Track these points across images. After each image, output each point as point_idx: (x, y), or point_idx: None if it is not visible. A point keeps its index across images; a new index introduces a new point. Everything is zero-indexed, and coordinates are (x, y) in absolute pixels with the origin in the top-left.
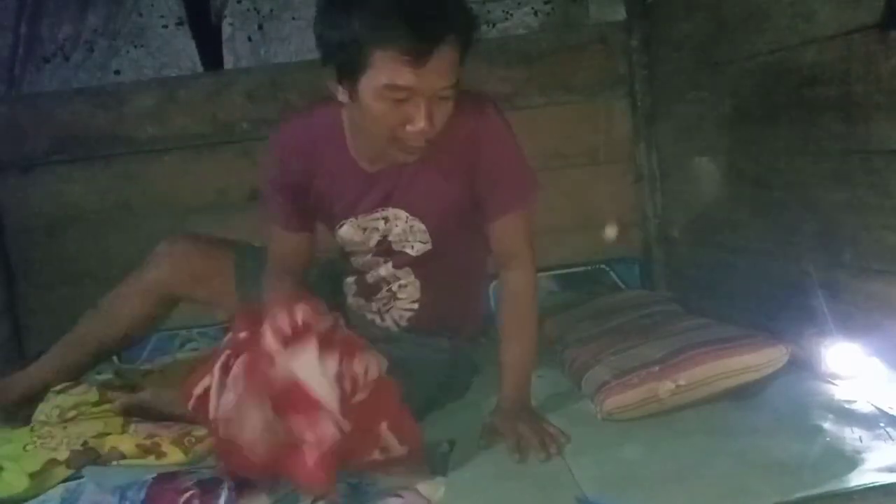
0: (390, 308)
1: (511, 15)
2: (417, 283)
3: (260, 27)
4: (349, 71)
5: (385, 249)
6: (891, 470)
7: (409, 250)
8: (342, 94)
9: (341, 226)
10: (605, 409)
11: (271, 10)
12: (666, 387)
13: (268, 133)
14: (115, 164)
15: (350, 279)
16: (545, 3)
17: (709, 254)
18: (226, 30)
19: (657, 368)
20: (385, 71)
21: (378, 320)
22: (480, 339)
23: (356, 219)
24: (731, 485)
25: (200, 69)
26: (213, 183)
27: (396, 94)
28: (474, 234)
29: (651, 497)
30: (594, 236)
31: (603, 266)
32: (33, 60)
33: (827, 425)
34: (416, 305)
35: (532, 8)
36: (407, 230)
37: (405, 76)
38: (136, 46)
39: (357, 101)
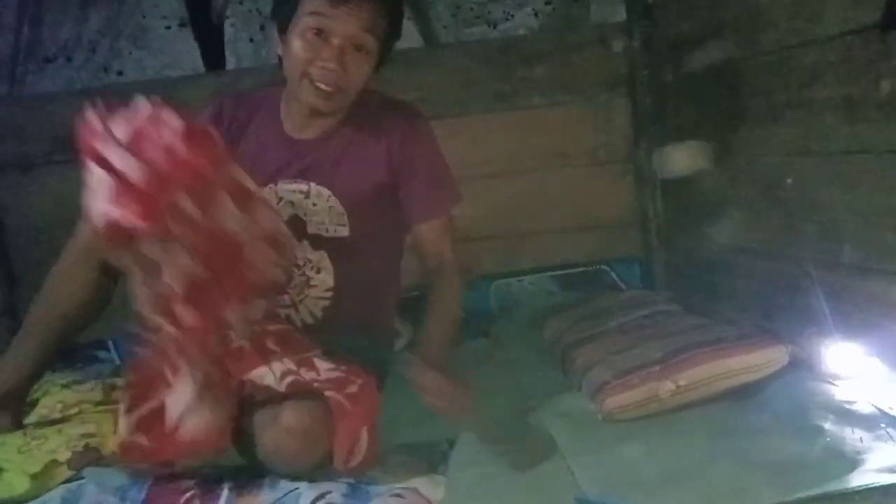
0: (304, 297)
1: (512, 15)
2: (332, 270)
3: (261, 28)
4: (284, 19)
5: (299, 228)
6: (891, 470)
7: (323, 232)
8: (280, 47)
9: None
10: (605, 409)
11: None
12: (666, 387)
13: None
14: None
15: None
16: (546, 3)
17: (709, 254)
18: (228, 31)
19: (657, 368)
20: (309, 6)
21: (293, 313)
22: (392, 342)
23: (275, 185)
24: (731, 485)
25: (203, 70)
26: None
27: (313, 26)
28: (391, 234)
29: (651, 497)
30: (594, 236)
31: (603, 266)
32: (35, 61)
33: (827, 425)
34: (329, 294)
35: (532, 8)
36: (326, 210)
37: (322, 7)
38: (138, 47)
39: (285, 46)
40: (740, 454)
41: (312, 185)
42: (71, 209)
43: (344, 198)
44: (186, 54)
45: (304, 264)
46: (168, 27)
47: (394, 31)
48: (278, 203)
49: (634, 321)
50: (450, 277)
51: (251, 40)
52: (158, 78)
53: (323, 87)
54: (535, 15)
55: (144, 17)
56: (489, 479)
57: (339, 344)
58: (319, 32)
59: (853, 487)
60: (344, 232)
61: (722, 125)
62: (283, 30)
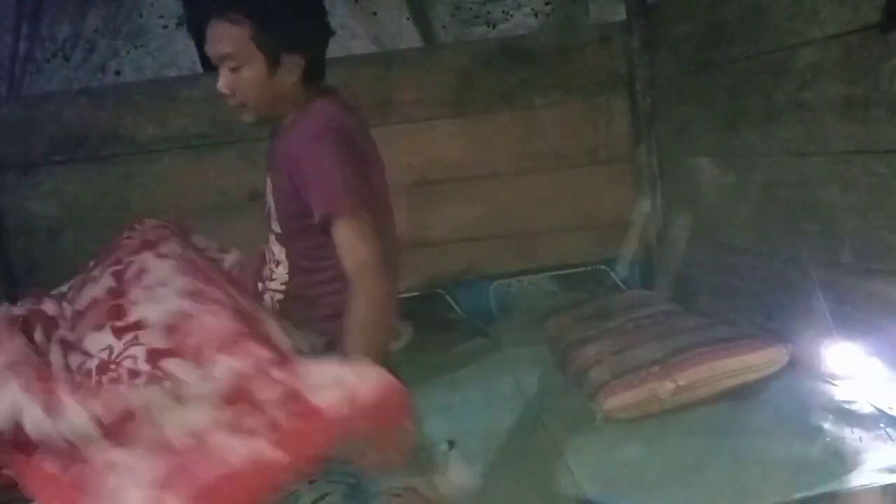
0: (266, 289)
1: (511, 16)
2: (287, 265)
3: None
4: None
5: (269, 217)
6: (891, 470)
7: (275, 228)
8: None
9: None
10: (605, 409)
11: None
12: (666, 387)
13: (267, 134)
14: (115, 165)
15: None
16: (545, 3)
17: (709, 254)
18: None
19: (657, 368)
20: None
21: (266, 297)
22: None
23: (267, 175)
24: (731, 485)
25: (200, 70)
26: (213, 183)
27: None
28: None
29: (651, 497)
30: (594, 236)
31: (603, 266)
32: (33, 61)
33: (827, 425)
34: (283, 287)
35: (532, 9)
36: (272, 206)
37: (200, 40)
38: (136, 47)
39: None
40: (740, 454)
41: (268, 179)
42: (71, 209)
43: (274, 197)
44: (184, 54)
45: (271, 257)
46: (165, 27)
47: (269, 24)
48: (266, 191)
49: (634, 321)
50: (355, 287)
51: None
52: (156, 78)
53: (231, 106)
54: (535, 15)
55: (142, 16)
56: (489, 478)
57: (302, 341)
58: (212, 57)
59: (853, 487)
60: (277, 229)
61: (722, 125)
62: None
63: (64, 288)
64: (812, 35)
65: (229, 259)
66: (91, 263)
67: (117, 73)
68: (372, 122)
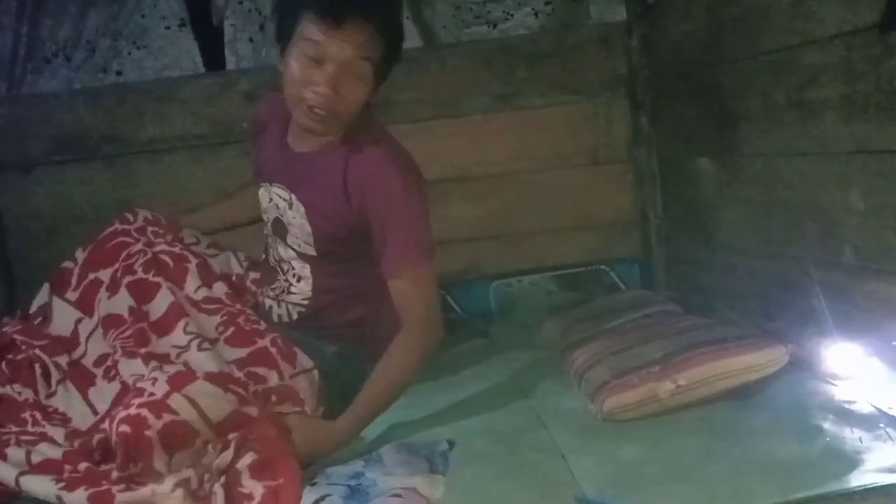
0: (284, 300)
1: (511, 15)
2: (311, 282)
3: (261, 28)
4: (284, 39)
5: (282, 232)
6: (891, 470)
7: (296, 246)
8: (282, 65)
9: (260, 186)
10: (605, 409)
11: (273, 11)
12: (666, 387)
13: None
14: (115, 164)
15: (262, 260)
16: (545, 3)
17: (709, 254)
18: (227, 31)
19: (657, 368)
20: (304, 31)
21: (276, 307)
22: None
23: (270, 185)
24: (732, 485)
25: (202, 70)
26: (214, 183)
27: (308, 51)
28: (363, 265)
29: (651, 497)
30: (594, 236)
31: (603, 266)
32: (34, 61)
33: (827, 425)
34: (306, 303)
35: (532, 8)
36: (300, 225)
37: (316, 34)
38: (138, 47)
39: (284, 66)
40: (740, 454)
41: (294, 197)
42: (71, 209)
43: (313, 220)
44: (186, 54)
45: (287, 269)
46: (168, 27)
47: (392, 54)
48: (269, 202)
49: (634, 321)
50: (404, 340)
51: (251, 40)
52: (158, 78)
53: (316, 110)
54: (535, 15)
55: (144, 17)
56: (489, 479)
57: (313, 349)
58: (314, 57)
59: (853, 487)
60: (311, 251)
61: (722, 125)
62: (283, 49)
63: (45, 297)
64: (812, 35)
65: (221, 259)
66: (80, 256)
67: (118, 73)
68: None
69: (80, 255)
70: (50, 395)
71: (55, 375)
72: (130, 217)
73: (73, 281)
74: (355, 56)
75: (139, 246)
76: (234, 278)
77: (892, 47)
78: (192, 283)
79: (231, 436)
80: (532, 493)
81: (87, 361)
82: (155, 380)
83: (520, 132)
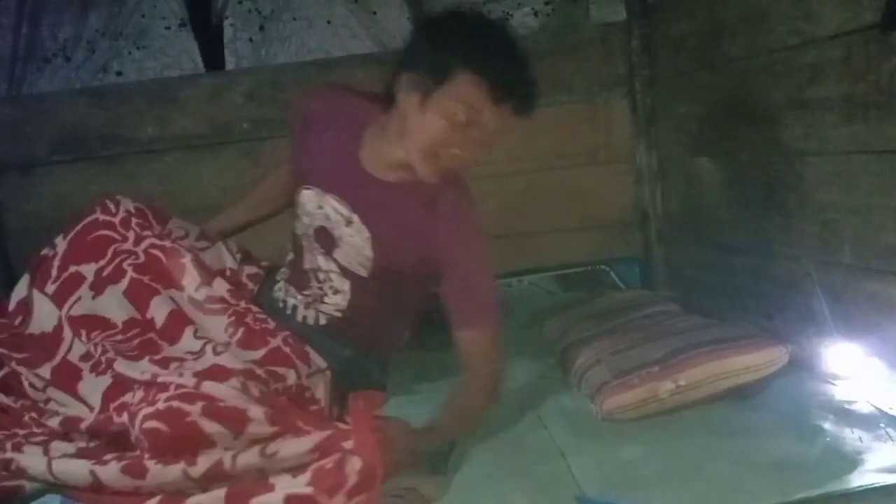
0: (314, 306)
1: (511, 16)
2: (348, 299)
3: (261, 28)
4: (431, 79)
5: (325, 242)
6: (891, 470)
7: (346, 264)
8: (408, 98)
9: (308, 188)
10: (605, 409)
11: (272, 11)
12: (666, 387)
13: (268, 133)
14: (115, 164)
15: (289, 259)
16: (545, 3)
17: (709, 254)
18: (227, 31)
19: (657, 368)
20: (461, 92)
21: (302, 309)
22: (389, 357)
23: (323, 192)
24: (732, 485)
25: (202, 70)
26: (214, 183)
27: (459, 114)
28: (409, 298)
29: (651, 497)
30: (594, 236)
31: (603, 266)
32: (34, 61)
33: (827, 425)
34: (338, 315)
35: (532, 8)
36: (357, 247)
37: (476, 100)
38: (138, 48)
39: (419, 108)
40: (740, 454)
41: (357, 218)
42: (71, 209)
43: (379, 249)
44: (186, 54)
45: (325, 280)
46: (168, 27)
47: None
48: (317, 209)
49: (634, 321)
50: (471, 390)
51: (251, 40)
52: (156, 78)
53: (443, 167)
54: (535, 15)
55: (144, 17)
56: (489, 479)
57: (329, 351)
58: (462, 120)
59: (853, 487)
60: (362, 272)
61: (722, 125)
62: (422, 86)
63: (24, 291)
64: (812, 35)
65: (213, 252)
66: (61, 245)
67: (119, 73)
68: None
69: (61, 243)
70: (47, 402)
71: (39, 386)
72: (112, 207)
73: (53, 272)
74: (498, 133)
75: (128, 245)
76: (227, 273)
77: (892, 47)
78: (191, 283)
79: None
80: (532, 494)
81: (73, 357)
82: (180, 374)
83: (520, 132)
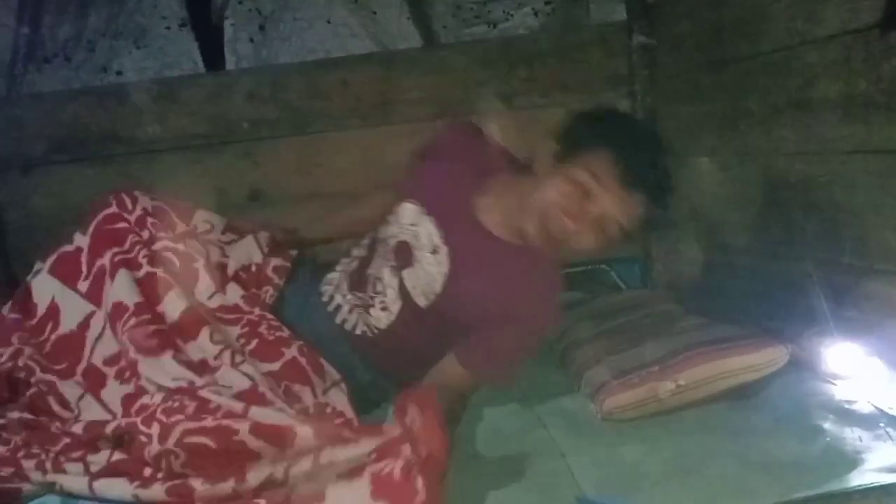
0: (358, 312)
1: (511, 15)
2: (393, 319)
3: (261, 28)
4: (570, 150)
5: (402, 258)
6: (891, 470)
7: (409, 289)
8: (542, 162)
9: (412, 202)
10: (605, 409)
11: (272, 12)
12: (666, 387)
13: (268, 133)
14: (115, 164)
15: (357, 254)
16: (545, 3)
17: (709, 254)
18: (227, 31)
19: (657, 368)
20: (600, 166)
21: (345, 309)
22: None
23: (427, 215)
24: (731, 485)
25: (202, 70)
26: (214, 183)
27: (585, 182)
28: (443, 346)
29: (651, 497)
30: None
31: (603, 266)
32: (34, 60)
33: (827, 425)
34: (375, 332)
35: (532, 8)
36: (430, 278)
37: (610, 181)
38: (138, 47)
39: (551, 172)
40: (740, 454)
41: (445, 251)
42: (71, 209)
43: (449, 287)
44: (186, 54)
45: (380, 292)
46: (168, 27)
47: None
48: (410, 225)
49: (634, 321)
50: (457, 402)
51: (251, 40)
52: (156, 77)
53: (553, 235)
54: (535, 15)
55: (144, 17)
56: (489, 478)
57: (346, 363)
58: (587, 189)
59: (853, 487)
60: (421, 301)
61: (722, 125)
62: (559, 154)
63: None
64: (812, 35)
65: (241, 245)
66: (83, 240)
67: (119, 73)
68: (372, 122)
69: (83, 239)
70: (77, 417)
71: (72, 400)
72: (129, 203)
73: (84, 269)
74: (621, 221)
75: (143, 239)
76: (252, 268)
77: (892, 47)
78: (203, 289)
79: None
80: (532, 493)
81: (97, 360)
82: (218, 392)
83: (520, 132)
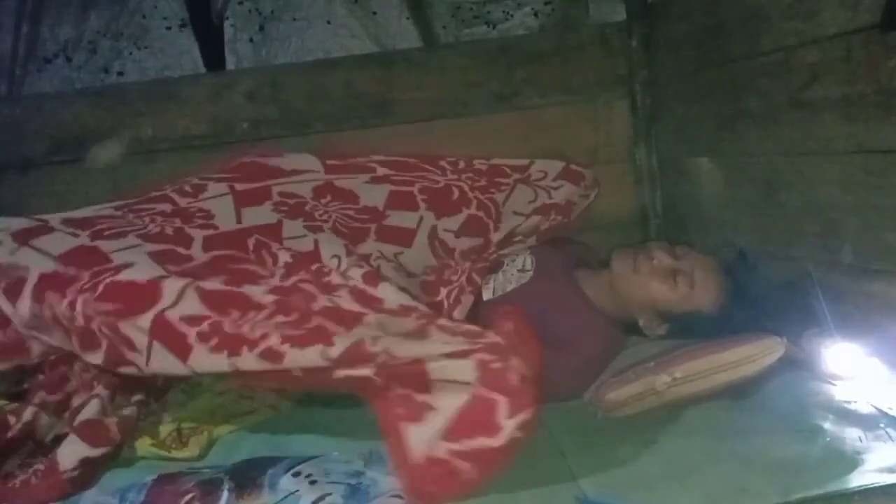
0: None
1: (511, 15)
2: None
3: (261, 28)
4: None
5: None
6: (891, 470)
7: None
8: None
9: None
10: (603, 406)
11: (272, 12)
12: (662, 380)
13: (268, 133)
14: (116, 164)
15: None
16: (545, 3)
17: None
18: (227, 31)
19: (652, 364)
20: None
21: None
22: None
23: (531, 255)
24: (731, 485)
25: (202, 70)
26: None
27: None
28: None
29: (651, 497)
30: (594, 236)
31: None
32: (34, 61)
33: (827, 425)
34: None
35: (532, 8)
36: (505, 280)
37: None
38: (139, 48)
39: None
40: (740, 454)
41: (529, 276)
42: (71, 209)
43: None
44: (186, 55)
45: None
46: (168, 28)
47: None
48: (505, 264)
49: None
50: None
51: (251, 40)
52: (158, 78)
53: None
54: (535, 15)
55: (145, 17)
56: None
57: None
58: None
59: (853, 487)
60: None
61: (722, 125)
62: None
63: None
64: (812, 35)
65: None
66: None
67: (120, 73)
68: (372, 122)
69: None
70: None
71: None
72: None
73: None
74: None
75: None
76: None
77: (892, 47)
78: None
79: None
80: (532, 493)
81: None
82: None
83: (520, 132)
